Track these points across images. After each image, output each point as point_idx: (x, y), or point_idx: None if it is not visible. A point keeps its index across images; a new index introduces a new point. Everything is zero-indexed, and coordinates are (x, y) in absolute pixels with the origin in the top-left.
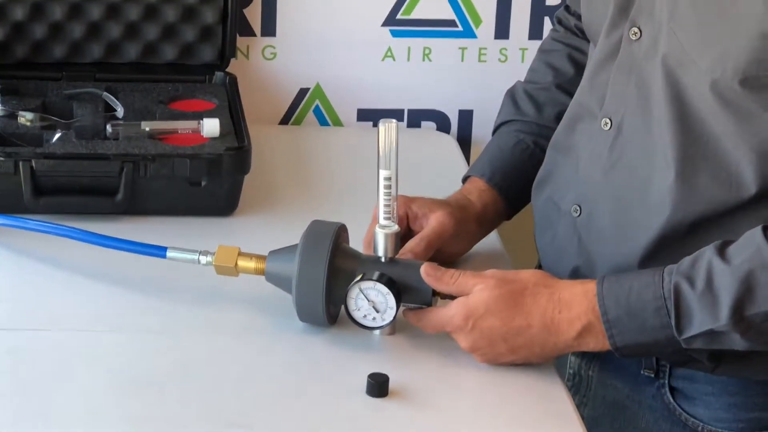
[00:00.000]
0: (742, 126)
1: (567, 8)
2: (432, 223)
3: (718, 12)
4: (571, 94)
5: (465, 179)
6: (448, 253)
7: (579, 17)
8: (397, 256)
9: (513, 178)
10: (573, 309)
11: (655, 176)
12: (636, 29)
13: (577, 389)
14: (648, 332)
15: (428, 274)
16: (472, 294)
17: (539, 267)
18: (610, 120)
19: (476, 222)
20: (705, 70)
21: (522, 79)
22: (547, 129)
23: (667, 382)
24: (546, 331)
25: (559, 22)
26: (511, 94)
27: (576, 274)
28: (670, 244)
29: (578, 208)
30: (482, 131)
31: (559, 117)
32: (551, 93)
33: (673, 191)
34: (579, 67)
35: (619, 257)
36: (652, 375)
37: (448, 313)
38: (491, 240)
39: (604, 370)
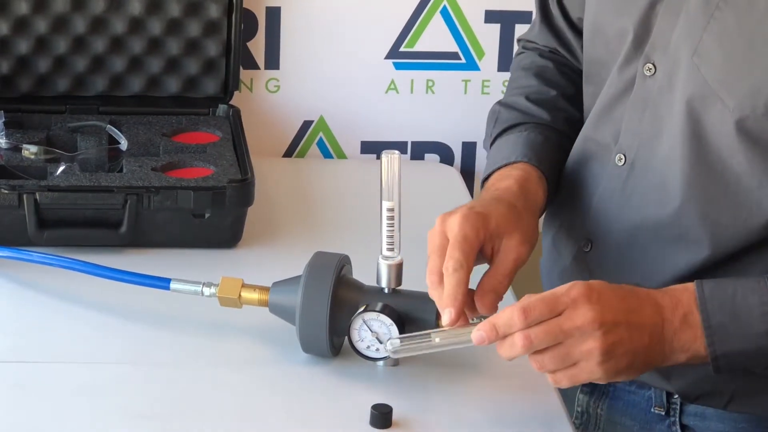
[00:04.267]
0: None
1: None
2: (509, 255)
3: (748, 46)
4: (575, 106)
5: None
6: None
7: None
8: (477, 292)
9: (553, 168)
10: (674, 296)
11: (670, 213)
12: (650, 65)
13: (585, 427)
14: (752, 339)
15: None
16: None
17: None
18: (625, 156)
19: (537, 218)
20: (732, 108)
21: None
22: (563, 134)
23: (678, 419)
24: (654, 313)
25: (524, 47)
26: (510, 105)
27: None
28: (688, 281)
29: (589, 243)
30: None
31: (567, 123)
32: (559, 102)
33: (690, 229)
34: (574, 83)
35: None
36: (663, 412)
37: (561, 288)
38: None
39: (612, 408)
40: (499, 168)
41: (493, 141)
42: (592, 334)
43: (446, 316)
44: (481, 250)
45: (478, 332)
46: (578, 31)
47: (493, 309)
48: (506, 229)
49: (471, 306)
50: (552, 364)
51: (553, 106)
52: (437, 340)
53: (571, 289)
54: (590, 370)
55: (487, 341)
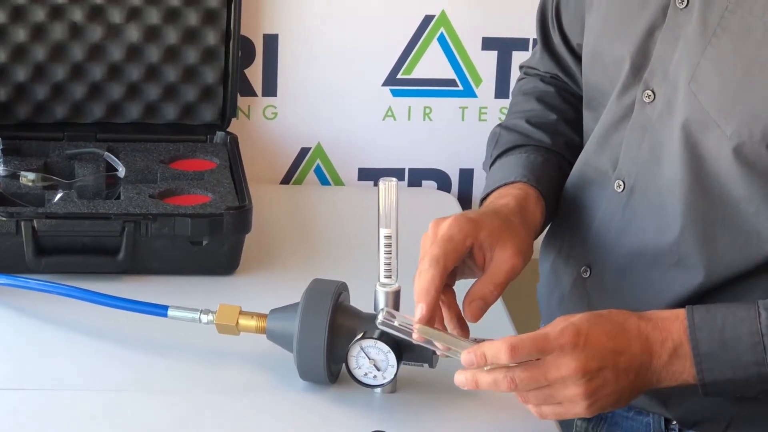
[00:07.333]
0: (766, 189)
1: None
2: (503, 265)
3: (745, 73)
4: (575, 131)
5: (501, 186)
6: None
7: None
8: (466, 299)
9: (552, 190)
10: (665, 328)
11: (669, 238)
12: (649, 92)
13: None
14: (741, 369)
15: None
16: (566, 319)
17: None
18: (624, 182)
19: (533, 236)
20: (730, 134)
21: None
22: (563, 157)
23: None
24: (642, 350)
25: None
26: (510, 127)
27: None
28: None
29: (588, 269)
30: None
31: (567, 147)
32: (559, 126)
33: (689, 254)
34: (575, 108)
35: None
36: None
37: (552, 330)
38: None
39: None
40: (497, 188)
41: (492, 162)
42: (575, 383)
43: (418, 311)
44: (474, 259)
45: (468, 354)
46: (579, 57)
47: (480, 316)
48: (500, 240)
49: (460, 320)
50: (536, 401)
51: (553, 130)
52: (436, 342)
53: (562, 334)
54: (575, 411)
55: (476, 365)
